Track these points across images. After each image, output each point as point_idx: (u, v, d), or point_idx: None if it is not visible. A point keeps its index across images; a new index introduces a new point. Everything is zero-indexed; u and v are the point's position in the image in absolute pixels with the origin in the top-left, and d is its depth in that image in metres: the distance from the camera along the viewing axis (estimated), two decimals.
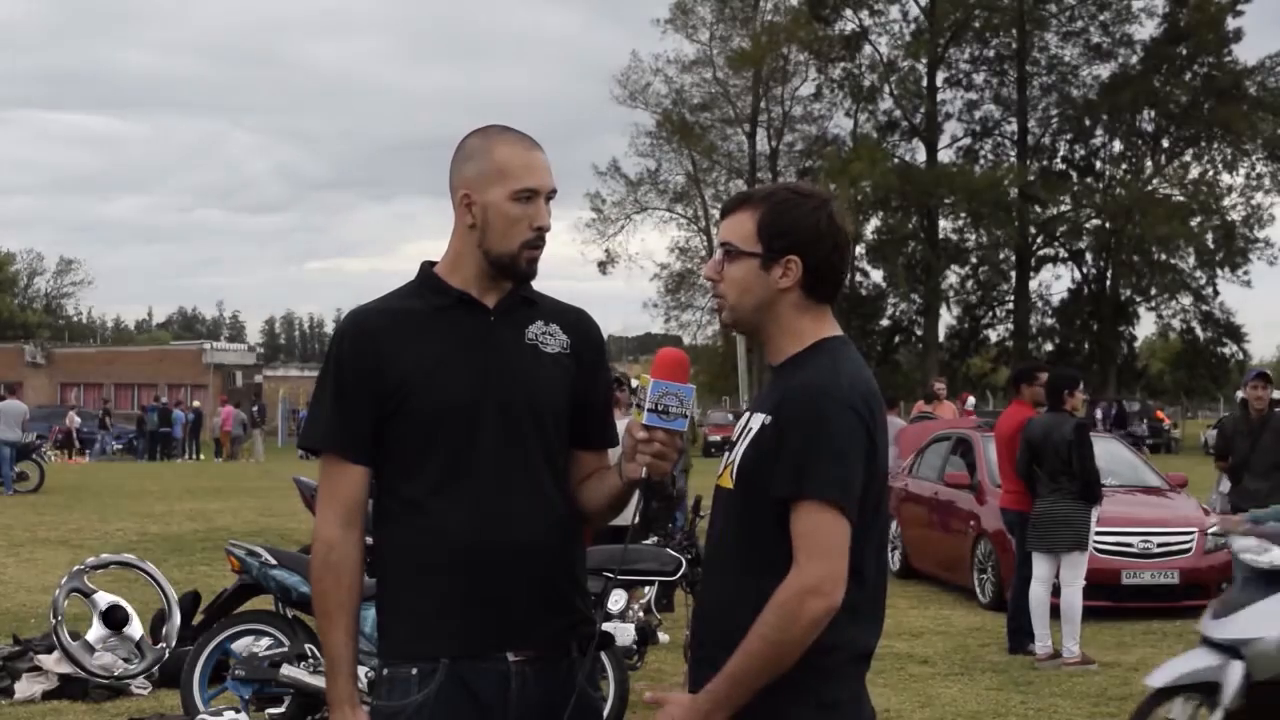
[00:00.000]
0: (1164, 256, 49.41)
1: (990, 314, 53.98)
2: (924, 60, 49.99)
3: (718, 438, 33.51)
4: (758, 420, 2.49)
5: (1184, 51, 48.74)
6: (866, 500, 2.43)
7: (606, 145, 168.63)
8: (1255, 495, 8.78)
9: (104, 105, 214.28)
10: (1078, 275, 52.13)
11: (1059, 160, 52.01)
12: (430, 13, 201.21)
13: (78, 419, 42.23)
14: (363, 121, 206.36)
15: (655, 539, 8.29)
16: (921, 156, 51.06)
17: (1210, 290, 50.06)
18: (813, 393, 2.42)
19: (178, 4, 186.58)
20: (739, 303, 2.56)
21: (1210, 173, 49.38)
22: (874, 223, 50.00)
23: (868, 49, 51.55)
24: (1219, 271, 49.30)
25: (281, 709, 6.32)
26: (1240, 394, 9.74)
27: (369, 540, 2.69)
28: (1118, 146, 51.79)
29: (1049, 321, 52.95)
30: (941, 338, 51.68)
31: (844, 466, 2.38)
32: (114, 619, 7.70)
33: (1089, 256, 51.84)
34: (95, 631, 7.65)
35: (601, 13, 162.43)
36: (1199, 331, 51.01)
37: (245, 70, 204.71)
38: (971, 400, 24.39)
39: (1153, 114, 50.09)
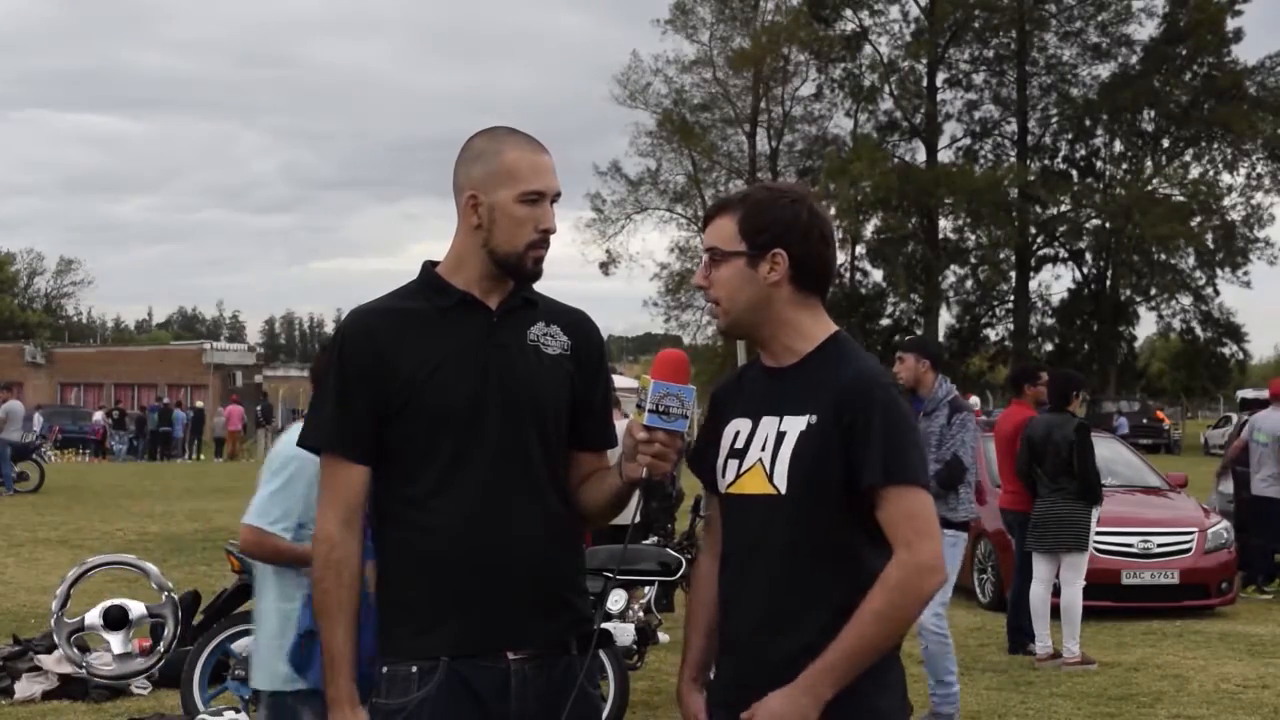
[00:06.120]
0: (1164, 256, 49.42)
1: (990, 314, 53.99)
2: (924, 60, 50.00)
3: None
4: (795, 423, 2.51)
5: (1184, 51, 48.78)
6: None
7: (612, 145, 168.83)
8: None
9: (114, 105, 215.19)
10: (1078, 275, 52.18)
11: (1059, 160, 52.05)
12: (438, 14, 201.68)
13: (100, 419, 42.00)
14: (370, 122, 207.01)
15: (655, 539, 8.30)
16: (921, 156, 51.08)
17: (1210, 290, 50.13)
18: (875, 383, 2.49)
19: (188, 5, 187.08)
20: (732, 304, 2.59)
21: (1210, 173, 49.45)
22: (874, 223, 50.02)
23: (868, 49, 51.59)
24: (1219, 271, 49.33)
25: None
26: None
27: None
28: (1118, 146, 51.85)
29: (1049, 321, 52.98)
30: (941, 337, 51.65)
31: (920, 452, 2.49)
32: (114, 619, 7.69)
33: (1089, 256, 51.86)
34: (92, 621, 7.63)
35: (609, 14, 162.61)
36: (1199, 331, 51.02)
37: (255, 71, 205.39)
38: (975, 400, 24.32)
39: (1153, 114, 50.12)
